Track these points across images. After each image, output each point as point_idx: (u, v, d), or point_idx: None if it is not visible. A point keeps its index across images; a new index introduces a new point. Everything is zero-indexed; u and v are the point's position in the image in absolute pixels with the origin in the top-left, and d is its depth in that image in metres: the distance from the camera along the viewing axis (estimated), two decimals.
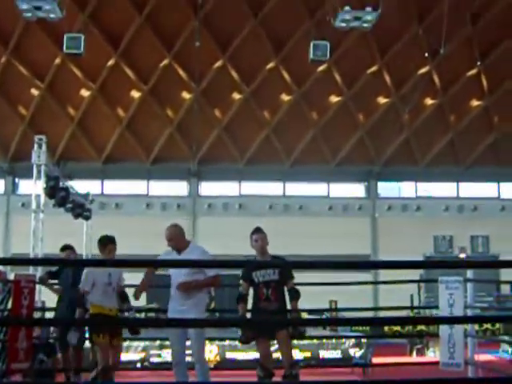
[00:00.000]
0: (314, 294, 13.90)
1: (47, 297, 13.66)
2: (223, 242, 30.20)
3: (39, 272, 18.29)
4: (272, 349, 9.79)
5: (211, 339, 14.77)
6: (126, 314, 10.33)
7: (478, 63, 35.06)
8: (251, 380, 9.70)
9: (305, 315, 14.66)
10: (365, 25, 24.33)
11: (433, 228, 36.76)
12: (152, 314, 18.02)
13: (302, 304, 9.68)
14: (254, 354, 13.67)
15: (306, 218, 36.30)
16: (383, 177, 38.28)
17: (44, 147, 22.41)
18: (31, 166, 22.62)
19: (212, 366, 14.04)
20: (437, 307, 12.98)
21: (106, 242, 10.01)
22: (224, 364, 15.86)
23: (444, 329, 12.14)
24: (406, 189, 39.12)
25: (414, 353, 22.79)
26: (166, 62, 34.20)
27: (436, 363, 12.71)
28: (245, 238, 9.80)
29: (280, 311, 9.32)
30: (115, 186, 37.49)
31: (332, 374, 14.05)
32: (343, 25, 24.27)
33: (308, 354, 16.91)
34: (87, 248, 28.32)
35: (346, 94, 35.62)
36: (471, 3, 32.69)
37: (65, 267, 12.36)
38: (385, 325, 21.75)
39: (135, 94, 35.33)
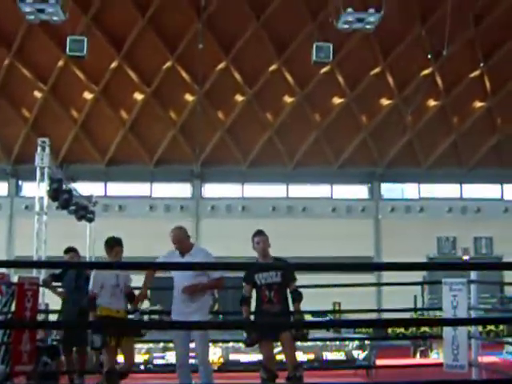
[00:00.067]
0: (317, 295, 13.87)
1: (51, 299, 13.67)
2: (226, 243, 30.20)
3: (43, 274, 18.32)
4: (275, 351, 9.78)
5: (215, 341, 14.76)
6: (131, 316, 10.30)
7: (481, 64, 35.06)
8: (255, 382, 9.68)
9: (308, 317, 14.65)
10: (367, 26, 24.32)
11: (436, 229, 36.73)
12: (155, 316, 18.01)
13: (306, 306, 9.68)
14: (257, 356, 13.67)
15: (309, 220, 36.28)
16: (386, 178, 38.26)
17: (47, 150, 22.41)
18: (34, 168, 22.63)
19: (215, 367, 14.04)
20: (440, 309, 12.95)
21: (113, 244, 9.97)
22: (227, 366, 15.87)
23: (448, 330, 12.11)
24: (409, 190, 39.10)
25: (418, 355, 22.77)
26: (169, 64, 34.23)
27: (440, 365, 12.67)
28: (248, 240, 9.80)
29: (283, 313, 9.32)
30: (118, 188, 37.51)
31: (336, 376, 14.04)
32: (346, 26, 24.26)
33: (311, 356, 16.90)
34: (91, 250, 28.34)
35: (348, 95, 35.61)
36: (474, 4, 32.69)
37: (68, 270, 12.36)
38: (388, 326, 21.67)
39: (138, 96, 35.35)
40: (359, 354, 17.22)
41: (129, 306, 10.15)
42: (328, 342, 17.42)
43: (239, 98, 35.82)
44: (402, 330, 27.75)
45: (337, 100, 36.18)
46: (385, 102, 36.37)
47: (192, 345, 9.94)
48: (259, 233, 9.76)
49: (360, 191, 38.84)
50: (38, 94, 34.89)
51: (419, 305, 30.44)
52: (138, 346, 14.92)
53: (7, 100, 34.80)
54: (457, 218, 37.37)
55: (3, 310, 12.01)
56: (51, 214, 23.94)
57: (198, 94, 35.01)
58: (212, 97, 35.26)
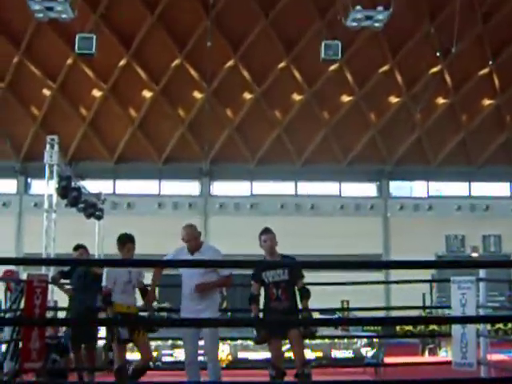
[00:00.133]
0: (325, 293, 13.91)
1: (60, 296, 13.71)
2: (235, 241, 30.18)
3: (51, 272, 18.36)
4: (284, 348, 9.79)
5: (223, 339, 14.77)
6: (144, 313, 10.27)
7: (490, 62, 35.01)
8: (263, 380, 9.70)
9: (316, 315, 14.68)
10: (376, 24, 24.29)
11: (445, 227, 36.69)
12: (164, 314, 18.04)
13: (314, 304, 9.69)
14: (265, 354, 13.68)
15: (318, 218, 36.29)
16: (395, 176, 38.23)
17: (56, 147, 22.47)
18: (43, 166, 22.68)
19: (224, 365, 14.05)
20: (449, 307, 12.93)
21: (125, 241, 9.95)
22: (236, 364, 15.87)
23: (456, 328, 12.11)
24: (418, 188, 39.06)
25: (427, 353, 22.75)
26: (177, 61, 34.25)
27: (448, 363, 12.67)
28: (256, 238, 9.80)
29: (291, 311, 9.32)
30: (127, 186, 37.57)
31: (344, 374, 14.04)
32: (354, 24, 24.25)
33: (320, 354, 16.89)
34: (99, 248, 28.39)
35: (357, 93, 35.59)
36: (483, 2, 32.66)
37: (77, 267, 12.39)
38: (397, 324, 21.74)
39: (147, 93, 35.39)
40: (368, 352, 17.20)
41: (141, 302, 10.14)
42: (336, 340, 17.40)
43: (248, 95, 35.82)
44: (410, 327, 27.82)
45: (345, 98, 36.15)
46: (393, 99, 36.34)
47: (201, 342, 9.95)
48: (266, 231, 9.77)
49: (369, 189, 38.83)
50: (46, 92, 34.95)
51: (428, 303, 30.40)
52: None
53: (16, 98, 34.87)
54: (465, 215, 37.32)
55: (12, 307, 12.07)
56: (60, 211, 24.00)
57: (206, 91, 35.04)
58: (220, 95, 35.27)
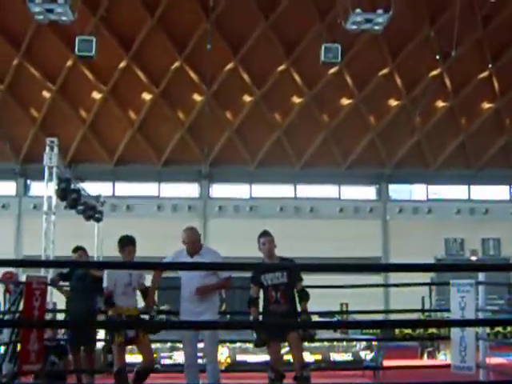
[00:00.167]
0: (324, 296, 13.89)
1: (59, 298, 13.71)
2: (234, 244, 30.18)
3: (51, 274, 18.35)
4: (283, 351, 9.79)
5: (222, 341, 14.75)
6: (144, 315, 10.21)
7: (490, 65, 35.04)
8: (262, 382, 9.70)
9: (315, 318, 14.65)
10: (376, 27, 24.29)
11: (444, 231, 36.71)
12: (163, 316, 18.03)
13: (313, 306, 9.68)
14: (264, 357, 13.68)
15: (317, 221, 36.29)
16: (394, 179, 38.24)
17: (56, 149, 22.47)
18: (43, 168, 22.68)
19: (223, 368, 14.05)
20: (448, 310, 12.93)
21: (126, 243, 9.91)
22: (235, 366, 15.87)
23: (455, 332, 12.10)
24: (417, 191, 39.09)
25: (425, 356, 22.74)
26: (177, 64, 34.27)
27: (447, 366, 12.65)
28: (255, 241, 9.80)
29: (290, 313, 9.32)
30: (126, 188, 37.60)
31: (343, 377, 14.03)
32: (354, 27, 24.24)
33: (319, 357, 16.89)
34: (99, 250, 28.39)
35: (357, 96, 35.61)
36: (482, 5, 32.63)
37: (76, 269, 12.38)
38: (396, 327, 21.66)
39: (146, 96, 35.41)
40: (366, 355, 17.20)
41: (142, 303, 10.10)
42: (335, 343, 17.40)
43: (247, 98, 35.85)
44: (409, 331, 27.74)
45: (345, 101, 36.17)
46: (393, 102, 36.36)
47: (200, 345, 9.96)
48: (265, 234, 9.77)
49: (368, 192, 38.84)
50: (46, 94, 34.97)
51: (427, 306, 30.40)
52: None
53: (16, 100, 34.89)
54: (465, 219, 37.34)
55: (11, 308, 12.05)
56: (59, 213, 24.00)
57: (206, 94, 35.06)
58: (220, 97, 35.29)
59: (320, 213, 37.08)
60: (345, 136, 36.27)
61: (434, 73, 35.00)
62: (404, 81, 35.37)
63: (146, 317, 10.02)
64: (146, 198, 37.19)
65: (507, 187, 38.98)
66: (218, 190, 37.90)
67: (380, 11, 23.48)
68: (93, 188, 29.19)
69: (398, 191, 38.90)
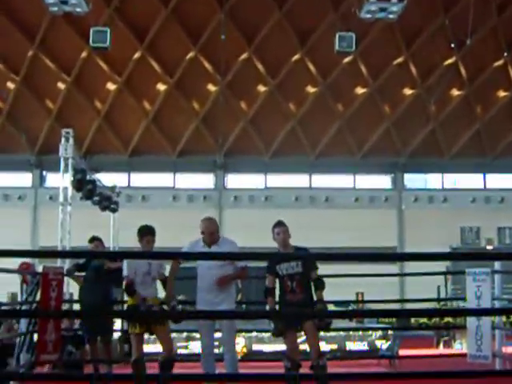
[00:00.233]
0: (340, 285, 13.89)
1: (75, 289, 13.75)
2: (249, 234, 30.19)
3: (67, 264, 18.44)
4: (299, 340, 9.80)
5: (238, 331, 14.79)
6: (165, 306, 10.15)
7: (505, 54, 34.87)
8: (278, 371, 9.72)
9: (331, 307, 14.66)
10: (390, 16, 24.20)
11: (459, 219, 36.63)
12: (183, 307, 18.09)
13: (328, 296, 9.67)
14: (280, 346, 13.70)
15: (332, 210, 36.28)
16: (409, 168, 38.17)
17: (71, 140, 22.50)
18: (58, 159, 22.72)
19: (239, 357, 14.09)
20: (464, 299, 12.92)
21: (145, 233, 9.86)
22: (251, 356, 15.91)
23: (471, 321, 12.09)
24: (433, 180, 39.03)
25: (441, 345, 22.70)
26: (191, 54, 34.27)
27: (463, 355, 12.66)
28: (270, 231, 9.79)
29: (306, 303, 9.33)
30: (142, 179, 37.70)
31: (358, 366, 14.03)
32: (369, 16, 24.16)
33: (334, 346, 16.92)
34: (114, 240, 28.47)
35: (371, 85, 35.53)
36: None
37: (92, 259, 12.42)
38: (412, 317, 21.73)
39: (161, 86, 35.45)
40: (382, 344, 17.21)
41: (163, 293, 10.04)
42: (351, 332, 17.42)
43: (262, 88, 35.83)
44: (425, 320, 27.77)
45: (360, 90, 36.10)
46: (408, 91, 36.26)
47: (217, 334, 9.98)
48: (279, 224, 9.75)
49: (383, 181, 38.79)
50: (61, 86, 35.07)
51: (442, 295, 30.39)
52: None
53: (31, 91, 35.02)
54: (480, 208, 37.23)
55: (28, 299, 12.13)
56: (75, 204, 24.06)
57: (220, 84, 35.07)
58: (234, 87, 35.29)
59: (335, 202, 37.06)
60: (359, 125, 36.21)
61: (449, 61, 34.88)
62: (419, 69, 35.26)
63: (165, 307, 10.00)
64: (162, 188, 37.28)
65: None
66: (233, 180, 37.94)
67: (394, 0, 23.39)
68: (108, 179, 29.22)
69: (413, 180, 38.84)
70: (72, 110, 34.92)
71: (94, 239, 12.75)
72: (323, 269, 9.57)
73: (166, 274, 9.96)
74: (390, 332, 17.61)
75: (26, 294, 12.36)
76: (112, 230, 28.64)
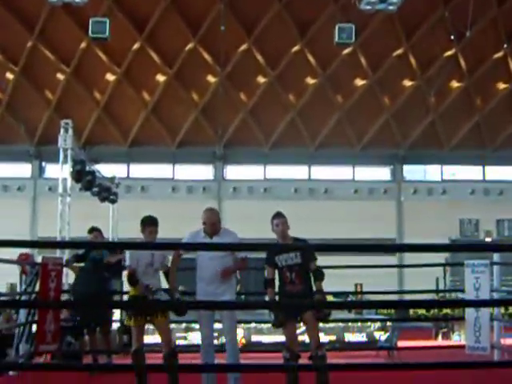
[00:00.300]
0: (339, 277, 13.93)
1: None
2: (248, 225, 30.18)
3: (66, 255, 18.46)
4: (298, 331, 9.82)
5: (238, 322, 14.82)
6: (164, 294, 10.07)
7: (505, 45, 34.81)
8: (277, 362, 9.74)
9: (330, 298, 14.70)
10: (390, 7, 24.20)
11: (458, 211, 36.64)
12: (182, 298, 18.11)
13: (327, 287, 9.69)
14: (279, 337, 13.74)
15: (331, 202, 36.28)
16: (409, 160, 38.16)
17: (70, 131, 22.48)
18: (58, 150, 22.71)
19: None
20: (462, 291, 12.96)
21: (147, 223, 9.81)
22: (250, 347, 15.95)
23: (470, 312, 12.13)
24: (432, 172, 39.00)
25: (440, 337, 22.75)
26: (191, 45, 34.22)
27: (462, 347, 12.70)
28: (269, 222, 9.80)
29: (305, 294, 9.34)
30: (141, 170, 37.69)
31: (357, 357, 14.07)
32: (368, 7, 24.18)
33: (333, 338, 16.97)
34: (113, 231, 28.49)
35: (371, 77, 35.49)
36: None
37: (91, 250, 12.43)
38: (410, 308, 21.71)
39: (160, 77, 35.41)
40: (381, 336, 17.26)
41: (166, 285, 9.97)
42: (350, 324, 17.48)
43: (261, 79, 35.80)
44: (423, 311, 27.79)
45: (359, 81, 36.06)
46: (407, 83, 36.23)
47: (218, 325, 10.01)
48: (278, 215, 9.76)
49: (382, 173, 38.78)
50: (60, 76, 35.03)
51: (441, 287, 30.41)
52: None
53: (30, 82, 34.98)
54: (479, 200, 37.23)
55: (27, 289, 12.15)
56: (74, 195, 24.06)
57: (220, 75, 35.03)
58: (234, 78, 35.26)
59: (334, 194, 37.06)
60: (359, 117, 36.20)
61: (449, 53, 34.84)
62: (418, 61, 35.23)
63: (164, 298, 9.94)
64: (161, 179, 37.26)
65: None
66: (233, 172, 37.93)
67: None
68: (107, 170, 29.23)
69: (412, 172, 38.82)
70: (71, 100, 34.89)
71: (93, 230, 12.77)
72: (322, 260, 9.59)
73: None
74: (388, 323, 17.65)
75: (25, 284, 12.38)
76: (111, 220, 28.66)
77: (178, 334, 16.05)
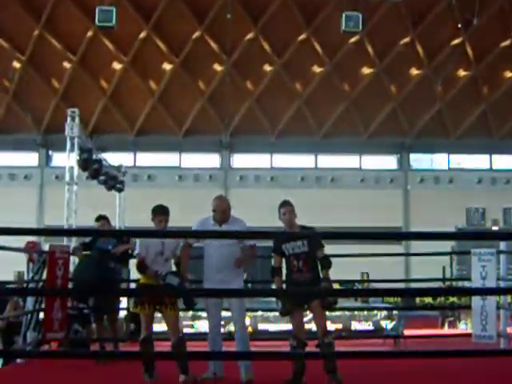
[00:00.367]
0: (345, 266, 13.90)
1: None
2: (255, 213, 30.18)
3: (73, 243, 18.49)
4: (305, 319, 9.83)
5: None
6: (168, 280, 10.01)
7: None
8: (284, 350, 9.76)
9: (337, 286, 14.70)
10: None
11: (465, 200, 36.62)
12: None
13: (334, 275, 9.69)
14: (285, 326, 13.76)
15: (338, 191, 36.29)
16: (415, 149, 38.12)
17: (77, 120, 22.47)
18: (64, 138, 22.72)
19: None
20: (469, 279, 12.96)
21: (158, 212, 9.75)
22: (256, 335, 15.97)
23: (476, 301, 12.13)
24: (439, 161, 38.96)
25: (446, 325, 22.77)
26: (197, 34, 34.19)
27: (468, 335, 12.71)
28: (276, 210, 9.80)
29: (313, 282, 9.34)
30: (148, 159, 37.71)
31: (364, 346, 14.09)
32: None
33: (340, 326, 16.99)
34: (120, 220, 28.53)
35: (378, 65, 35.42)
36: None
37: (98, 238, 12.43)
38: (417, 296, 21.72)
39: (167, 66, 35.40)
40: (387, 324, 17.28)
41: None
42: (356, 312, 17.49)
43: (268, 67, 35.75)
44: (430, 300, 27.80)
45: (366, 70, 36.00)
46: (414, 72, 36.15)
47: (225, 313, 10.03)
48: (285, 203, 9.75)
49: (389, 162, 38.75)
50: (67, 65, 35.05)
51: (447, 275, 30.42)
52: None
53: (37, 71, 35.00)
54: (486, 188, 37.20)
55: (35, 277, 12.18)
56: (81, 183, 24.07)
57: (226, 64, 35.00)
58: (240, 67, 35.23)
59: (341, 183, 37.06)
60: (366, 105, 36.16)
61: (456, 41, 34.74)
62: (425, 50, 35.14)
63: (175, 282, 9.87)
64: (168, 168, 37.30)
65: None
66: (239, 160, 37.94)
67: None
68: (114, 158, 29.23)
69: (419, 161, 38.79)
70: (78, 89, 34.91)
71: (100, 218, 12.74)
72: (328, 249, 9.58)
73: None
74: (394, 312, 17.67)
75: (33, 272, 12.40)
76: (118, 209, 28.69)
77: (184, 322, 16.08)
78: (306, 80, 36.12)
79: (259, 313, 16.43)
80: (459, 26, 33.02)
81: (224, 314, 10.07)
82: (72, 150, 22.60)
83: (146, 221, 9.92)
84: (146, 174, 36.70)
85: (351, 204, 35.10)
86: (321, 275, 9.37)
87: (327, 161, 37.98)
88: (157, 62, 35.16)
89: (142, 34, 34.07)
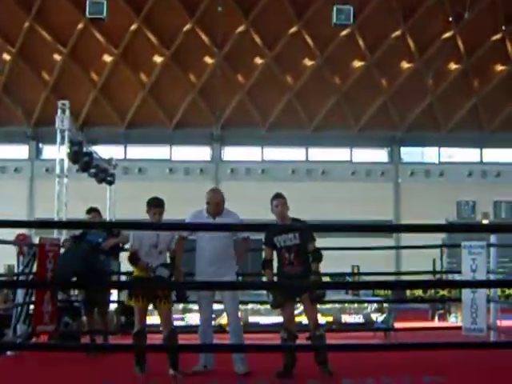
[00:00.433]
0: (336, 259, 13.91)
1: None
2: (246, 206, 30.13)
3: (63, 236, 18.46)
4: (296, 312, 9.85)
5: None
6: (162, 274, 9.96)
7: (503, 27, 34.73)
8: (275, 343, 9.77)
9: (327, 279, 14.71)
10: None
11: (456, 193, 36.66)
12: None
13: (325, 268, 9.70)
14: (276, 318, 13.77)
15: (329, 183, 36.29)
16: (406, 142, 38.14)
17: (67, 112, 22.44)
18: (55, 131, 22.68)
19: None
20: (459, 272, 12.98)
21: (153, 204, 9.71)
22: (247, 328, 15.95)
23: (467, 294, 12.16)
24: (429, 154, 39.00)
25: (436, 318, 22.79)
26: (188, 26, 34.13)
27: (458, 328, 12.74)
28: (267, 203, 9.81)
29: (304, 275, 9.35)
30: (138, 151, 37.65)
31: (354, 338, 14.11)
32: None
33: (330, 319, 17.00)
34: (111, 213, 28.48)
35: (369, 58, 35.42)
36: None
37: (89, 230, 12.39)
38: (407, 288, 21.73)
39: (158, 58, 35.32)
40: (378, 317, 17.30)
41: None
42: (346, 305, 17.50)
43: (259, 60, 35.72)
44: (420, 293, 27.84)
45: (357, 63, 35.99)
46: (405, 65, 36.16)
47: (217, 306, 10.04)
48: (277, 196, 9.76)
49: (380, 155, 38.78)
50: (57, 57, 34.94)
51: (438, 268, 30.45)
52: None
53: (27, 63, 34.89)
54: (477, 182, 37.27)
55: (25, 270, 12.15)
56: (71, 176, 24.04)
57: (217, 56, 34.95)
58: (231, 59, 35.18)
59: (332, 175, 37.07)
60: (357, 99, 36.15)
61: (447, 35, 34.76)
62: (416, 43, 35.15)
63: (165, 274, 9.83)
64: (158, 160, 37.25)
65: None
66: (230, 153, 37.91)
67: None
68: (104, 151, 29.19)
69: (409, 154, 38.83)
70: (68, 81, 34.80)
71: (91, 210, 12.69)
72: (319, 242, 9.59)
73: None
74: (385, 305, 17.69)
75: (23, 265, 12.37)
76: (108, 202, 28.65)
77: (175, 315, 16.06)
78: (297, 73, 36.10)
79: (250, 305, 16.41)
80: (450, 19, 33.07)
81: (215, 306, 10.07)
82: (62, 142, 22.58)
83: (136, 213, 9.89)
84: (137, 166, 36.63)
85: (342, 197, 35.12)
86: (312, 268, 9.39)
87: (318, 154, 38.00)
88: (147, 54, 35.09)
89: (133, 27, 34.00)
